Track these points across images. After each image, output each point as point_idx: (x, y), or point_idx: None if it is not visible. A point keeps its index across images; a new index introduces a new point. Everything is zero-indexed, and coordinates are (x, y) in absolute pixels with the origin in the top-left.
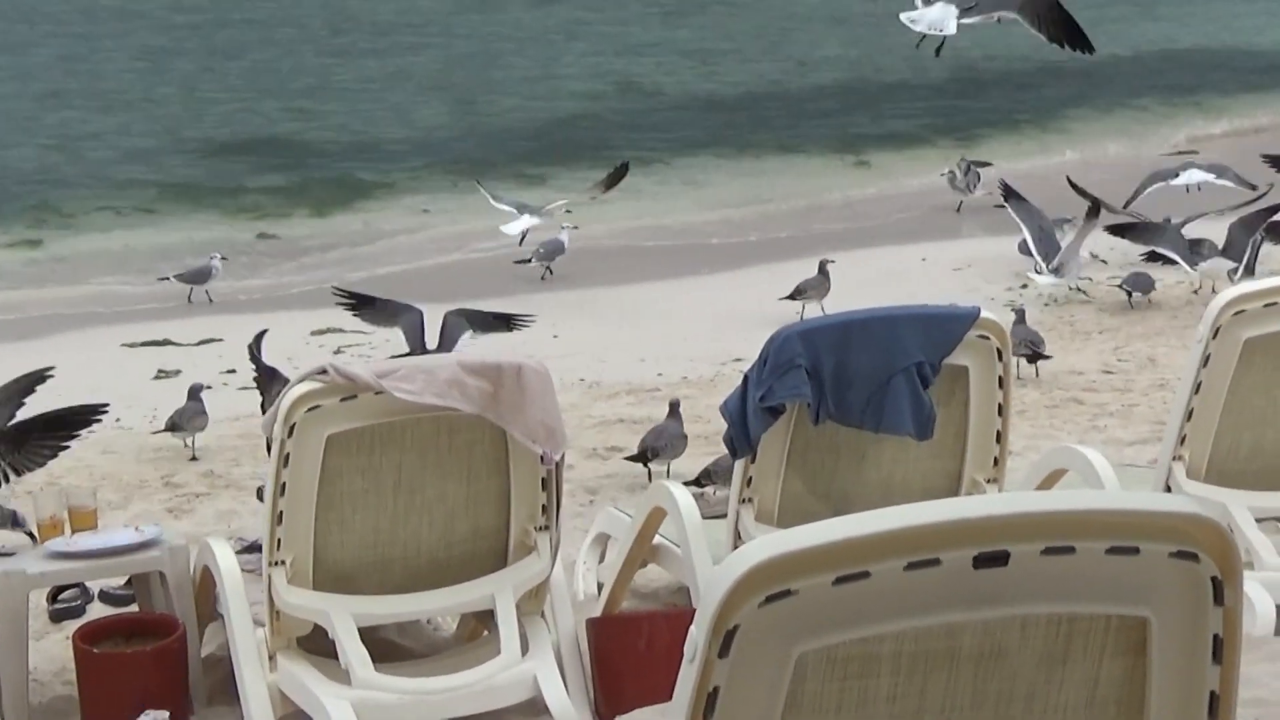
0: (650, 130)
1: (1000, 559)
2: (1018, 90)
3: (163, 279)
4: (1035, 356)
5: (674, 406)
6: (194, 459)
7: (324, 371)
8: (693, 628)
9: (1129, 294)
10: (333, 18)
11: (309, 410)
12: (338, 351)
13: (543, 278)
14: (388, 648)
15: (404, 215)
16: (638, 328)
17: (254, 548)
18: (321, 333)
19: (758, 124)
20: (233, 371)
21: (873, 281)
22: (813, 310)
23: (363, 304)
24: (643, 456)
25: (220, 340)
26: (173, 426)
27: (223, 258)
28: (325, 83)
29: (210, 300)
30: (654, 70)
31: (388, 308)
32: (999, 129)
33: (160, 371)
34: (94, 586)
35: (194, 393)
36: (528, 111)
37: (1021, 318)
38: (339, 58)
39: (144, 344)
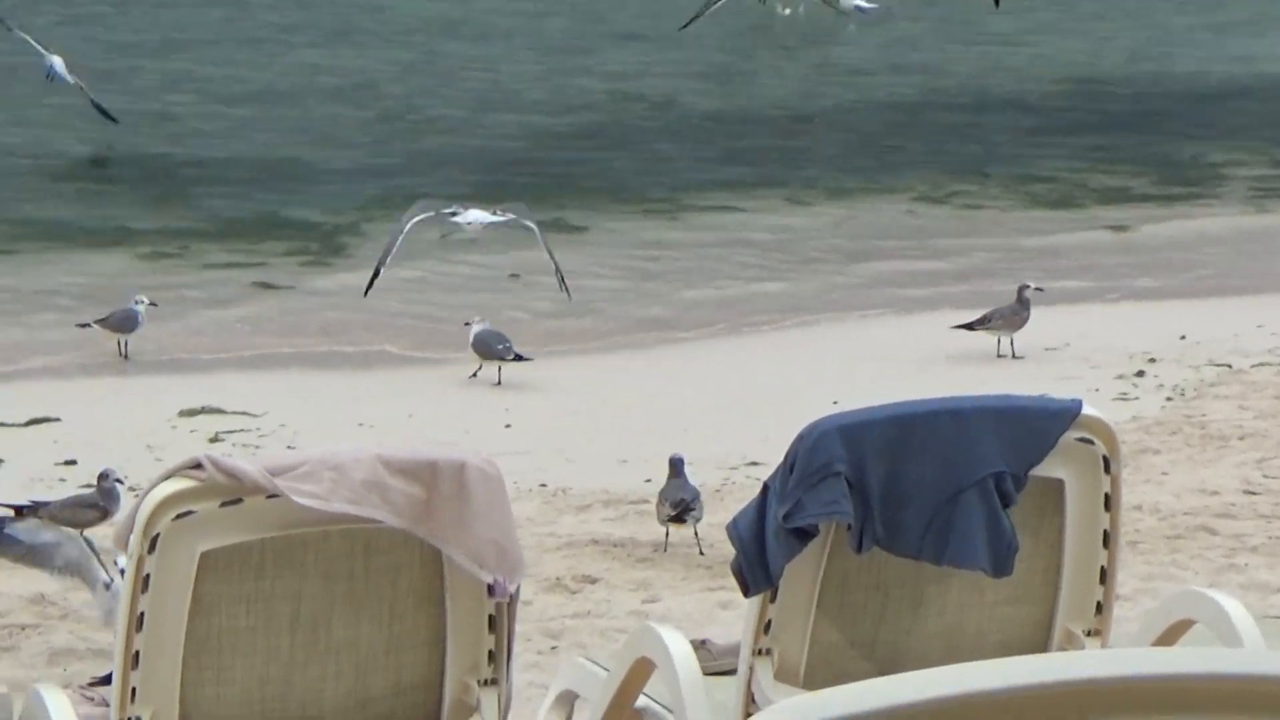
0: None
1: None
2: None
3: (83, 325)
4: (679, 518)
5: (677, 464)
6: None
7: (198, 466)
8: None
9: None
10: None
11: (177, 517)
12: (215, 440)
13: None
14: None
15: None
16: (618, 415)
17: (101, 699)
18: (193, 413)
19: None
20: (72, 463)
21: (926, 362)
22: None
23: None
24: (679, 516)
25: (55, 420)
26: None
27: (151, 303)
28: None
29: (125, 356)
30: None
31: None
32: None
33: None
34: None
35: (102, 478)
36: (485, 129)
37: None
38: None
39: None
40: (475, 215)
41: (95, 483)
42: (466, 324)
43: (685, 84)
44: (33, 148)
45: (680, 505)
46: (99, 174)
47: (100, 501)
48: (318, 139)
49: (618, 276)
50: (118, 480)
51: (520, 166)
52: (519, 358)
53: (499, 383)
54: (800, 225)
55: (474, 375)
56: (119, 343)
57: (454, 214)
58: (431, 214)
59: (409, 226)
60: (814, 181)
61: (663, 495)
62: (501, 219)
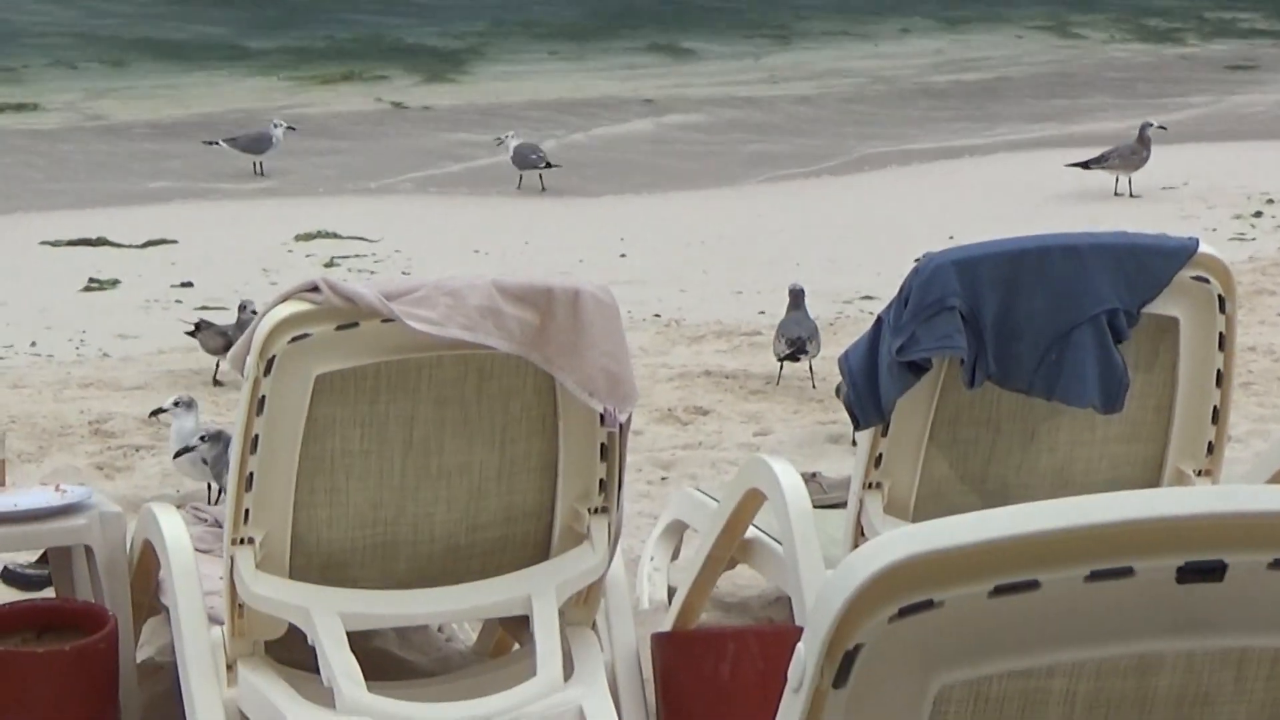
0: None
1: (1214, 571)
2: None
3: (210, 143)
4: (793, 356)
5: (797, 294)
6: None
7: (315, 289)
8: (800, 646)
9: None
10: None
11: (293, 340)
12: (331, 264)
13: None
14: (385, 661)
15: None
16: (732, 248)
17: (214, 520)
18: (309, 237)
19: None
20: (188, 285)
21: (1042, 200)
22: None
23: None
24: (793, 355)
25: (173, 242)
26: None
27: (290, 127)
28: None
29: (261, 172)
30: None
31: None
32: None
33: (92, 281)
34: None
35: (241, 309)
36: None
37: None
38: None
39: (71, 243)
40: None
41: (237, 312)
42: (499, 140)
43: None
44: None
45: (796, 344)
46: None
47: (230, 332)
48: None
49: (735, 110)
50: (254, 312)
51: None
52: (549, 165)
53: (543, 189)
54: (911, 54)
55: (519, 186)
56: (255, 164)
57: None
58: None
59: None
60: (928, 10)
61: (780, 330)
62: None
